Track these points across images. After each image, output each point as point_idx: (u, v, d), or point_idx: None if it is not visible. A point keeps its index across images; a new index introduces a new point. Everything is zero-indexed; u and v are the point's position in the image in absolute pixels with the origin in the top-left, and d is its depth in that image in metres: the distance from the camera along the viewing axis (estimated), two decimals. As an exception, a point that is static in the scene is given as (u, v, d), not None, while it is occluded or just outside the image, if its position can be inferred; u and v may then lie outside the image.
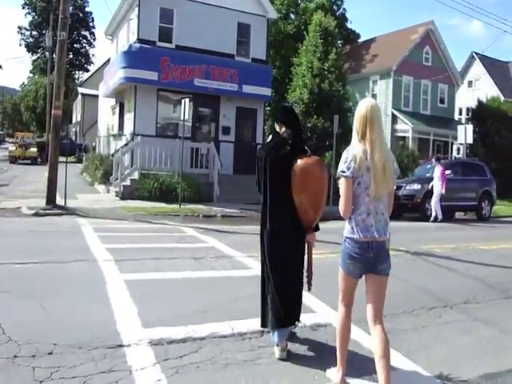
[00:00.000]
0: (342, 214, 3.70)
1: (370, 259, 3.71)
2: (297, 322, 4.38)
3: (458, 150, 31.27)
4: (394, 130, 30.58)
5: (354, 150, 3.57)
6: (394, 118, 30.58)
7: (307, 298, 5.74)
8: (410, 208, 16.73)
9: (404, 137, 29.94)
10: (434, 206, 16.18)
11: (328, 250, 9.15)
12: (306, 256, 4.67)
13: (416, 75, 31.09)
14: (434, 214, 16.24)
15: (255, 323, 4.77)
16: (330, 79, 23.27)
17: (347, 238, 3.72)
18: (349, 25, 40.81)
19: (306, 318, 5.03)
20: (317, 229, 4.65)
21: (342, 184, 3.62)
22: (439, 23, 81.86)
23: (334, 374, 3.78)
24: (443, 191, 16.03)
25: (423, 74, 31.25)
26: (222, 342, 4.34)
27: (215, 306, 5.32)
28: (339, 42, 31.34)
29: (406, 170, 22.39)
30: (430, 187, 16.48)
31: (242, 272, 7.00)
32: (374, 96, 31.99)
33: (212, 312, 5.10)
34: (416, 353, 4.37)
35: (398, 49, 31.45)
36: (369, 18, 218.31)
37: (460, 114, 37.26)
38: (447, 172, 17.03)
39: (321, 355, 4.21)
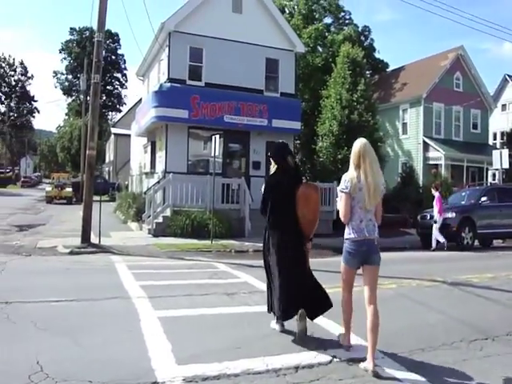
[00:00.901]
0: (343, 221, 5.09)
1: (364, 253, 5.08)
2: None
3: (494, 175, 30.61)
4: (425, 158, 30.23)
5: (350, 175, 4.95)
6: (426, 146, 30.28)
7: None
8: (445, 237, 16.39)
9: (436, 164, 29.57)
10: (435, 234, 16.00)
11: (361, 283, 9.01)
12: None
13: (447, 102, 30.87)
14: (433, 244, 16.10)
15: (290, 359, 4.73)
16: (360, 110, 23.29)
17: (347, 239, 5.09)
18: (377, 54, 40.92)
19: (341, 353, 4.95)
20: (311, 240, 5.88)
21: (342, 198, 5.00)
22: (470, 47, 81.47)
23: (343, 337, 5.34)
24: (439, 217, 15.94)
25: (454, 100, 31.00)
26: (257, 378, 4.29)
27: (249, 342, 5.27)
28: (368, 72, 31.44)
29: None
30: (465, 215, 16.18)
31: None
32: (404, 125, 31.89)
33: (246, 348, 5.06)
34: (457, 387, 4.21)
35: (427, 76, 31.38)
36: (397, 46, 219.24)
37: (494, 138, 36.72)
38: (483, 199, 16.72)
39: (358, 391, 4.10)
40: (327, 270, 10.76)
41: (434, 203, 16.24)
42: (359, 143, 5.04)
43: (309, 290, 5.61)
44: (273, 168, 5.91)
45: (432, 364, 4.75)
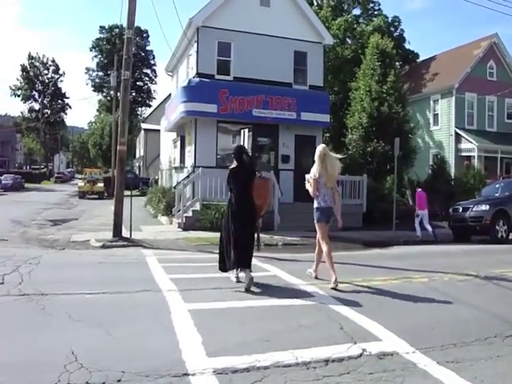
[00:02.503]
0: (312, 195, 8.29)
1: (327, 214, 8.31)
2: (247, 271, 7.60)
3: (529, 167, 29.95)
4: (458, 150, 29.70)
5: (317, 168, 8.17)
6: (458, 138, 29.73)
7: (372, 325, 5.64)
8: (478, 230, 16.10)
9: (469, 156, 29.00)
10: (417, 225, 16.97)
11: (393, 276, 8.95)
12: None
13: (480, 91, 30.19)
14: (418, 232, 16.84)
15: (319, 352, 4.73)
16: (390, 102, 23.02)
17: (317, 207, 8.31)
18: (407, 45, 40.28)
19: (371, 347, 4.92)
20: (262, 217, 8.69)
21: (313, 181, 8.19)
22: (504, 34, 78.82)
23: (333, 279, 7.74)
24: (424, 212, 16.87)
25: (488, 90, 30.28)
26: (286, 371, 4.29)
27: (278, 335, 5.28)
28: (397, 63, 30.96)
29: (472, 191, 21.61)
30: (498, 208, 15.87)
31: (304, 300, 6.92)
32: (435, 115, 31.33)
33: (275, 341, 5.07)
34: None
35: (459, 66, 30.74)
36: (428, 36, 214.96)
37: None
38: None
39: (388, 385, 4.07)
40: (356, 263, 10.73)
41: (416, 198, 17.40)
42: (321, 148, 8.38)
43: (244, 248, 7.65)
44: (234, 164, 7.99)
45: (464, 359, 4.67)
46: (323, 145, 8.62)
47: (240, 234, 7.59)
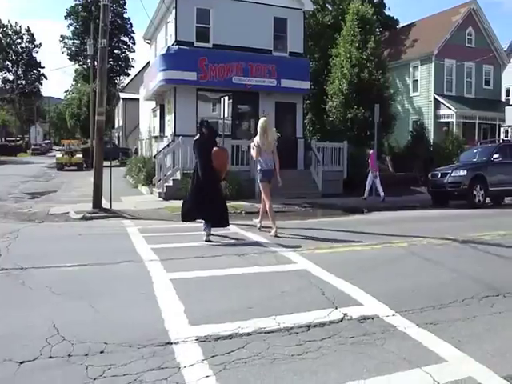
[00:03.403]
0: (254, 158, 10.12)
1: (268, 174, 9.89)
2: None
3: (506, 132, 30.26)
4: (436, 116, 29.86)
5: (259, 137, 9.78)
6: (437, 104, 29.84)
7: (353, 290, 5.71)
8: (456, 195, 16.32)
9: (448, 122, 29.19)
10: (367, 185, 17.81)
11: (374, 242, 9.06)
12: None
13: (459, 58, 30.19)
14: (366, 193, 17.75)
15: (301, 317, 4.78)
16: (370, 68, 22.87)
17: (259, 169, 10.01)
18: (387, 12, 39.87)
19: (352, 311, 4.99)
20: (223, 179, 10.26)
21: (255, 148, 9.78)
22: (483, 1, 78.37)
23: (274, 230, 9.68)
24: (375, 174, 17.68)
25: (466, 57, 30.31)
26: (269, 337, 4.33)
27: (261, 302, 5.33)
28: (377, 29, 30.67)
29: (451, 156, 21.83)
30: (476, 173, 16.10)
31: (287, 267, 6.98)
32: (415, 82, 31.35)
33: (258, 308, 5.11)
34: (468, 344, 4.23)
35: (438, 32, 30.64)
36: (408, 2, 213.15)
37: (507, 94, 35.89)
38: (495, 156, 16.58)
39: (369, 347, 4.14)
40: (336, 229, 10.83)
41: (369, 160, 17.91)
42: (263, 121, 10.03)
43: (217, 208, 9.21)
44: (197, 135, 9.54)
45: (442, 321, 4.77)
46: (264, 117, 10.40)
47: (205, 192, 9.11)
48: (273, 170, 9.94)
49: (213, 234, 9.18)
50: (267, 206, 9.97)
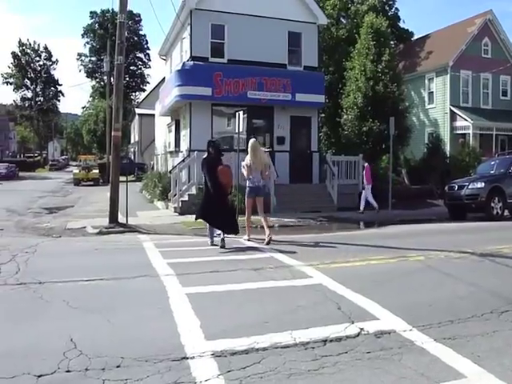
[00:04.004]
0: (245, 176, 10.96)
1: (255, 191, 10.88)
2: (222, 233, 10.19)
3: (525, 143, 29.96)
4: (453, 128, 29.66)
5: (250, 157, 10.80)
6: (453, 115, 29.66)
7: (369, 304, 5.67)
8: (473, 208, 16.15)
9: (464, 134, 28.97)
10: (363, 198, 17.82)
11: (390, 255, 8.99)
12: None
13: (475, 69, 30.03)
14: (361, 207, 17.65)
15: (317, 332, 4.75)
16: (384, 81, 22.86)
17: (248, 186, 10.91)
18: (401, 24, 39.89)
19: (369, 326, 4.95)
20: (230, 193, 11.22)
21: (246, 167, 10.83)
22: (499, 11, 77.93)
23: (246, 237, 11.04)
24: (367, 185, 17.73)
25: (483, 67, 30.14)
26: (285, 352, 4.31)
27: (276, 316, 5.31)
28: (392, 42, 30.70)
29: (468, 169, 21.65)
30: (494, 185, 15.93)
31: (302, 281, 6.95)
32: (430, 94, 31.21)
33: (273, 322, 5.09)
34: (487, 359, 4.15)
35: (454, 43, 30.55)
36: (423, 14, 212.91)
37: (525, 105, 35.63)
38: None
39: (386, 362, 4.10)
40: (352, 243, 10.78)
41: (364, 173, 18.02)
42: (253, 141, 11.06)
43: (227, 218, 10.30)
44: (205, 154, 10.71)
45: (461, 336, 4.71)
46: (254, 139, 11.43)
47: (215, 204, 10.19)
48: (260, 187, 11.05)
49: (225, 245, 10.12)
50: (246, 217, 11.21)
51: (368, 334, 4.76)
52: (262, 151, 11.24)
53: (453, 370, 3.95)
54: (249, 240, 10.93)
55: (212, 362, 4.08)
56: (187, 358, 4.16)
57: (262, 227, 13.03)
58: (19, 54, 79.87)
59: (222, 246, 9.96)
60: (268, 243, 10.35)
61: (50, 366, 3.96)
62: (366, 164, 18.34)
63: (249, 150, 10.91)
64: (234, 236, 10.78)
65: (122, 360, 4.08)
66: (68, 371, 3.89)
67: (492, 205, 15.86)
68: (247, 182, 10.99)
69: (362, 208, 17.63)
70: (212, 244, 10.30)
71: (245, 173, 10.91)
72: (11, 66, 79.32)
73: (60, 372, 3.88)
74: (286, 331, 4.77)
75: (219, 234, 10.28)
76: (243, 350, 4.34)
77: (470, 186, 16.24)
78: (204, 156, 10.81)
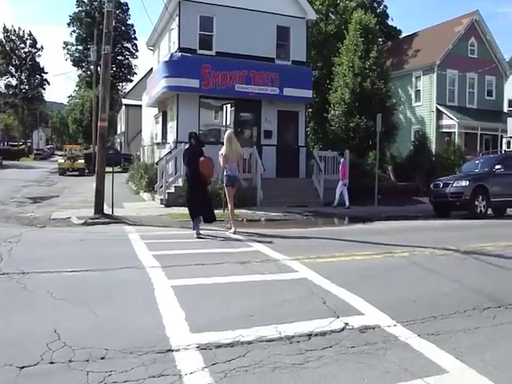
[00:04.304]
0: (222, 166, 11.40)
1: (233, 180, 11.38)
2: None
3: (509, 143, 30.24)
4: (439, 126, 29.93)
5: (226, 147, 11.25)
6: (439, 114, 29.91)
7: (354, 299, 5.71)
8: (458, 206, 16.32)
9: (450, 132, 29.22)
10: (337, 193, 18.00)
11: (375, 251, 9.05)
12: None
13: (461, 68, 30.30)
14: (335, 202, 17.90)
15: (302, 326, 4.77)
16: (372, 78, 22.97)
17: (226, 175, 11.41)
18: (390, 22, 40.18)
19: (353, 321, 4.98)
20: (210, 183, 11.48)
21: (223, 157, 11.20)
22: (486, 12, 78.23)
23: (232, 230, 11.10)
24: (345, 181, 18.03)
25: (469, 67, 30.41)
26: (270, 345, 4.32)
27: (262, 310, 5.32)
28: (380, 39, 30.82)
29: (453, 167, 21.86)
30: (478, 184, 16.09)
31: (288, 275, 6.97)
32: (417, 92, 31.39)
33: (259, 316, 5.10)
34: (469, 355, 4.21)
35: (441, 42, 30.77)
36: (411, 12, 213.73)
37: (510, 106, 35.96)
38: (497, 166, 16.59)
39: (370, 357, 4.13)
40: (338, 238, 10.84)
41: (340, 168, 18.32)
42: (229, 132, 11.61)
43: (205, 207, 10.77)
44: (187, 145, 11.22)
45: (444, 331, 4.76)
46: (230, 130, 12.52)
47: (197, 194, 10.67)
48: (237, 176, 11.49)
49: (205, 233, 10.81)
50: (229, 208, 11.56)
51: (353, 328, 4.79)
52: (237, 142, 11.61)
53: (435, 365, 4.00)
54: (235, 233, 10.98)
55: (197, 355, 4.07)
56: (172, 351, 4.15)
57: (249, 220, 13.39)
58: (3, 40, 78.59)
59: (199, 237, 10.44)
60: (235, 232, 11.10)
61: (33, 357, 3.92)
62: (342, 160, 18.49)
63: (224, 140, 11.38)
64: (222, 229, 11.00)
65: (107, 352, 4.06)
66: (51, 363, 3.86)
67: (476, 203, 16.03)
68: (224, 171, 11.49)
69: (336, 203, 17.86)
70: (198, 236, 10.44)
71: (221, 162, 11.38)
72: (-5, 52, 78.06)
73: (43, 363, 3.85)
74: (271, 325, 4.78)
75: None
76: (228, 343, 4.34)
77: (454, 184, 16.39)
78: (186, 147, 11.38)
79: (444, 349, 4.32)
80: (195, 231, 10.55)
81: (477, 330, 4.85)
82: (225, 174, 11.53)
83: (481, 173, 17.04)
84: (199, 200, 10.69)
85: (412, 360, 4.08)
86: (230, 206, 11.51)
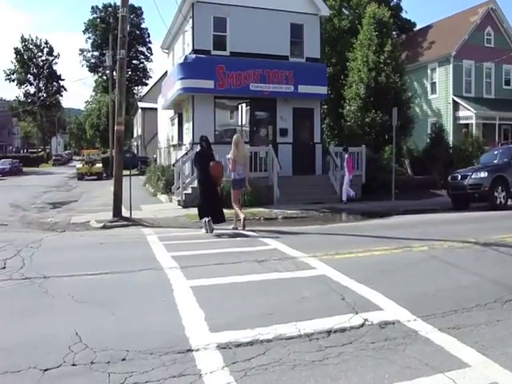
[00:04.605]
0: (231, 170, 11.61)
1: (240, 183, 11.62)
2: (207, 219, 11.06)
3: (528, 132, 29.84)
4: (456, 118, 29.53)
5: (233, 151, 11.44)
6: (456, 105, 29.52)
7: (373, 295, 5.68)
8: (477, 197, 16.11)
9: (467, 123, 28.85)
10: (344, 190, 17.90)
11: (394, 246, 8.99)
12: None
13: (477, 58, 29.83)
14: (344, 198, 17.76)
15: (321, 323, 4.76)
16: (387, 71, 22.80)
17: (233, 179, 11.66)
18: (403, 14, 39.72)
19: (373, 316, 4.96)
20: (219, 185, 11.73)
21: (231, 161, 11.47)
22: (502, 0, 76.50)
23: (234, 224, 11.66)
24: (350, 177, 17.97)
25: (485, 57, 29.92)
26: (289, 343, 4.33)
27: (281, 308, 5.32)
28: (394, 32, 30.51)
29: (471, 158, 21.59)
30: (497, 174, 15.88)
31: (306, 272, 6.96)
32: (433, 84, 31.05)
33: (278, 314, 5.10)
34: (491, 348, 4.16)
35: (456, 33, 30.34)
36: (425, 3, 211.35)
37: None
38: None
39: (391, 352, 4.11)
40: (356, 234, 10.79)
41: (345, 164, 18.17)
42: (236, 137, 11.72)
43: (216, 207, 11.23)
44: (198, 148, 11.84)
45: (465, 325, 4.71)
46: (237, 134, 12.46)
47: (209, 194, 11.22)
48: (244, 179, 11.69)
49: (219, 232, 11.15)
50: (235, 209, 11.66)
51: (372, 324, 4.77)
52: (245, 145, 12.13)
53: (457, 359, 3.96)
54: (245, 230, 11.25)
55: (217, 354, 4.09)
56: (192, 351, 4.17)
57: (266, 219, 13.42)
58: (22, 49, 79.66)
59: (208, 230, 11.03)
60: (234, 228, 11.63)
61: (55, 359, 3.99)
62: (346, 155, 18.40)
63: (232, 144, 11.55)
64: (240, 229, 11.16)
65: (127, 353, 4.11)
66: (74, 365, 3.92)
67: (495, 194, 15.81)
68: (232, 174, 11.71)
69: (344, 198, 17.79)
70: (212, 233, 11.00)
71: (230, 166, 11.63)
72: (14, 61, 79.14)
73: (66, 366, 3.90)
74: (290, 322, 4.78)
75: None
76: (248, 341, 4.35)
77: (473, 176, 16.18)
78: (197, 150, 11.97)
79: (465, 343, 4.28)
80: (204, 229, 11.11)
81: (498, 323, 4.79)
82: (232, 177, 11.77)
83: (500, 163, 16.80)
84: (210, 200, 11.15)
85: (433, 355, 4.05)
86: (235, 207, 11.67)
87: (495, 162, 17.19)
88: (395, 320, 4.87)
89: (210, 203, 11.15)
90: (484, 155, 19.46)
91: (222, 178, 11.83)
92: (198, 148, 11.86)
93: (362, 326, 4.74)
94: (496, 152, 18.17)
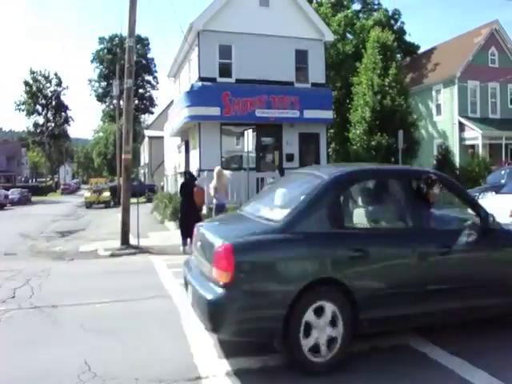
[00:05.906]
0: (213, 196, 12.89)
1: (220, 208, 12.53)
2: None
3: (536, 152, 29.76)
4: (461, 139, 29.49)
5: (215, 181, 12.73)
6: (462, 126, 29.52)
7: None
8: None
9: (474, 144, 28.83)
10: None
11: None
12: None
13: (482, 79, 29.92)
14: None
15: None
16: (392, 94, 22.93)
17: (215, 204, 12.78)
18: (407, 37, 40.06)
19: (382, 340, 4.90)
20: (200, 210, 12.68)
21: (214, 188, 12.71)
22: (506, 20, 76.84)
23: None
24: None
25: (490, 77, 30.00)
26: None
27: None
28: (398, 55, 30.78)
29: (477, 179, 21.52)
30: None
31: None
32: (438, 105, 31.15)
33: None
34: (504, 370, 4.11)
35: (460, 54, 30.54)
36: (428, 26, 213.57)
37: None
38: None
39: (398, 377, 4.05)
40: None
41: None
42: (218, 169, 12.89)
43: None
44: (183, 180, 13.59)
45: (476, 347, 4.65)
46: (218, 167, 13.57)
47: (189, 219, 11.54)
48: (224, 204, 12.99)
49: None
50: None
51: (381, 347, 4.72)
52: (225, 176, 13.43)
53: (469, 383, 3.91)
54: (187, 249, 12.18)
55: (226, 381, 4.07)
56: (201, 378, 4.16)
57: None
58: (30, 81, 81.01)
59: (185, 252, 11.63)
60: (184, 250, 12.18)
61: (65, 388, 3.98)
62: None
63: (214, 175, 12.94)
64: None
65: (136, 381, 4.10)
66: (83, 394, 3.90)
67: (505, 215, 15.69)
68: (214, 200, 13.02)
69: None
70: (184, 250, 11.96)
71: (212, 193, 12.96)
72: (23, 93, 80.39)
73: (75, 395, 3.89)
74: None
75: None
76: (257, 368, 4.33)
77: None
78: (182, 181, 13.72)
79: (477, 365, 4.22)
80: (182, 247, 12.31)
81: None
82: (214, 202, 12.97)
83: (507, 183, 16.72)
84: (191, 223, 11.11)
85: (444, 379, 3.99)
86: None
87: (503, 182, 17.12)
88: (404, 343, 4.79)
89: (191, 225, 11.33)
90: (491, 175, 19.37)
91: (204, 204, 13.20)
92: (182, 180, 13.31)
93: (370, 349, 4.68)
94: (503, 172, 18.10)
